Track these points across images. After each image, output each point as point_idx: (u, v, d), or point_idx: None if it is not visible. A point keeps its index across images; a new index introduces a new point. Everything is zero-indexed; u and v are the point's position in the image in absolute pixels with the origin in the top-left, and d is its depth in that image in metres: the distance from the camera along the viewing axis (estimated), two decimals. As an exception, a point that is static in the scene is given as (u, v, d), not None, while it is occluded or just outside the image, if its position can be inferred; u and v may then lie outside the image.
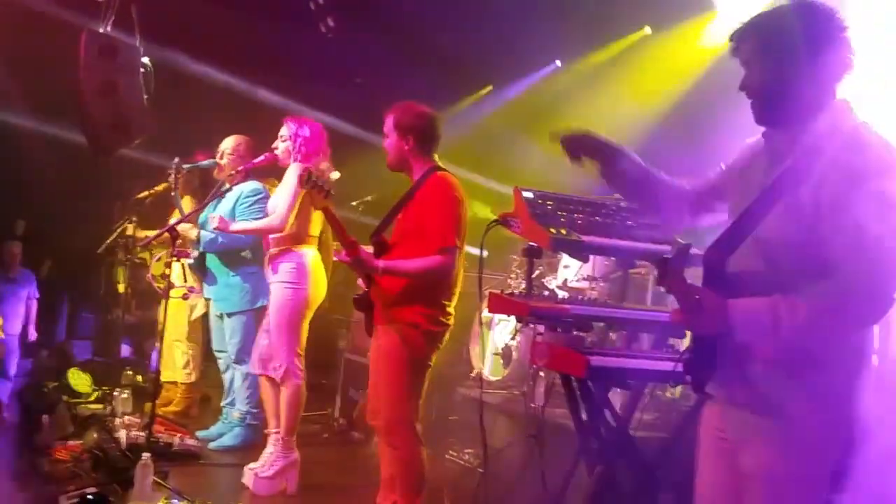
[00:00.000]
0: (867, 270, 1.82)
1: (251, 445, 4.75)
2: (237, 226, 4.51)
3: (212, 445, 4.84)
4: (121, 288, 5.77)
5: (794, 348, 1.89)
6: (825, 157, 1.89)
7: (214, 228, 4.50)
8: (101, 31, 5.41)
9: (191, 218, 4.82)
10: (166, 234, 4.17)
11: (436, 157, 3.49)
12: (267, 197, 4.88)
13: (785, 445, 1.92)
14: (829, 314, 1.85)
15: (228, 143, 5.00)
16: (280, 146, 4.30)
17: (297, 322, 4.21)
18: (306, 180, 3.19)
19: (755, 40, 2.01)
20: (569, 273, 5.24)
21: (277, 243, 4.27)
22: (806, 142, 1.95)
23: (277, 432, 4.21)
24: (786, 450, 1.92)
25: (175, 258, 4.19)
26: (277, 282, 4.22)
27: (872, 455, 2.62)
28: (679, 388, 4.58)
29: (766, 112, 2.04)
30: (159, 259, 5.45)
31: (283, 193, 4.25)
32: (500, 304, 2.90)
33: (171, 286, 4.17)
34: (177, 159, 4.84)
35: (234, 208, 4.89)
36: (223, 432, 5.04)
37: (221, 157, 4.97)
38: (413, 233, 3.32)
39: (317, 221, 4.29)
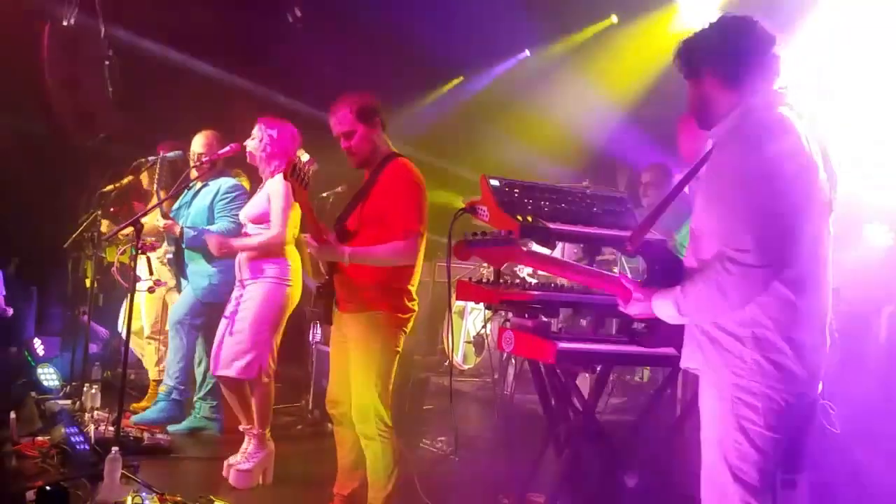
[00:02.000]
0: (740, 250, 2.02)
1: (175, 419, 5.03)
2: (239, 243, 4.26)
3: (133, 419, 4.96)
4: (88, 283, 5.70)
5: (709, 323, 2.17)
6: (725, 149, 2.15)
7: (219, 253, 4.32)
8: (64, 23, 5.35)
9: (155, 210, 4.77)
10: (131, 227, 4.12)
11: (388, 139, 3.48)
12: (245, 193, 4.84)
13: (718, 409, 2.17)
14: (708, 296, 2.09)
15: (199, 143, 4.91)
16: (249, 145, 4.27)
17: (280, 320, 4.19)
18: (292, 173, 3.15)
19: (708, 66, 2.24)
20: (539, 261, 5.28)
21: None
22: (717, 139, 2.23)
23: (250, 428, 4.20)
24: (712, 418, 2.19)
25: (140, 252, 4.13)
26: (268, 278, 4.15)
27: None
28: (646, 373, 4.65)
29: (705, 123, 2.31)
30: (123, 252, 5.39)
31: (276, 205, 4.13)
32: (468, 291, 2.94)
33: (137, 280, 4.12)
34: (161, 153, 4.80)
35: (211, 204, 4.85)
36: (195, 427, 5.03)
37: (198, 160, 4.88)
38: (375, 219, 3.32)
39: (295, 223, 4.27)
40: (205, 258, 4.91)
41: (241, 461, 4.12)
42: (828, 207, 2.21)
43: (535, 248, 5.35)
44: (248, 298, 4.13)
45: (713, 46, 2.21)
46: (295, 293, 4.24)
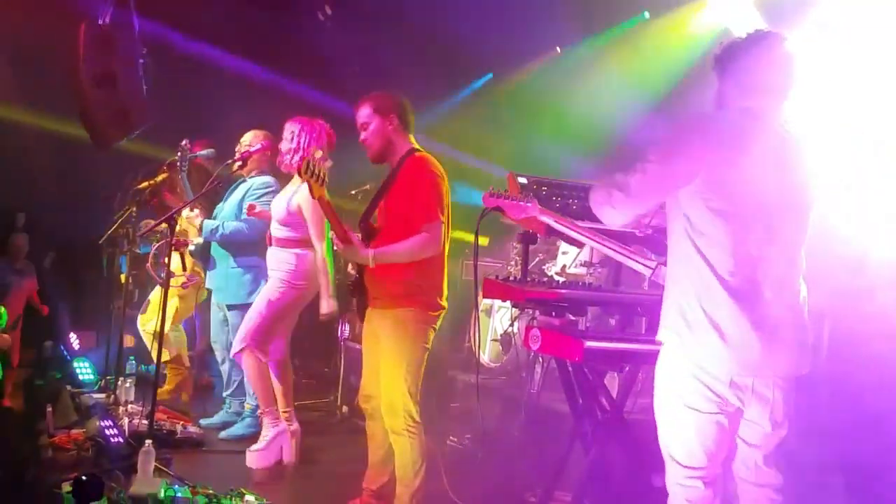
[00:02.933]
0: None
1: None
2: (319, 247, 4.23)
3: (222, 435, 4.88)
4: (123, 278, 5.80)
5: None
6: None
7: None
8: (100, 22, 5.43)
9: (189, 207, 4.83)
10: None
11: (412, 138, 3.52)
12: (277, 191, 4.89)
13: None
14: None
15: (247, 137, 4.99)
16: (283, 146, 4.40)
17: (277, 316, 4.32)
18: (305, 170, 3.19)
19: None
20: (567, 259, 5.26)
21: (283, 243, 4.34)
22: None
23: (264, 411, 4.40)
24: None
25: (173, 248, 4.20)
26: (276, 276, 4.33)
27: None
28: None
29: None
30: (157, 248, 5.48)
31: (311, 217, 4.21)
32: (495, 289, 2.93)
33: (170, 275, 4.19)
34: (185, 142, 4.83)
35: (242, 200, 4.91)
36: (226, 421, 5.09)
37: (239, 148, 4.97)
38: (398, 216, 3.35)
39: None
40: (228, 257, 4.97)
41: (256, 443, 4.25)
42: (776, 204, 2.33)
43: (564, 246, 5.34)
44: (269, 290, 4.35)
45: (736, 55, 2.41)
46: (307, 293, 4.36)
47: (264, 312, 4.31)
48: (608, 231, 3.01)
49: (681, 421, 2.35)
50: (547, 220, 2.83)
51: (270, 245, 4.41)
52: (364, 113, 3.48)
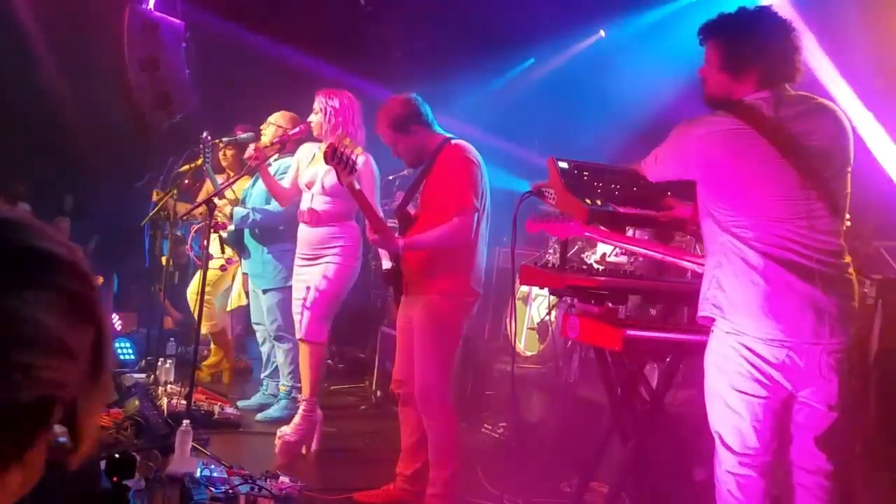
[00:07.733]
0: None
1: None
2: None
3: (259, 417, 4.88)
4: (164, 260, 5.86)
5: None
6: None
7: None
8: (144, 6, 5.49)
9: (226, 191, 4.85)
10: (204, 206, 4.20)
11: (438, 128, 3.47)
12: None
13: None
14: None
15: (275, 116, 5.00)
16: (313, 119, 4.29)
17: (339, 298, 4.24)
18: (331, 156, 3.16)
19: None
20: (607, 248, 5.15)
21: (329, 219, 4.24)
22: None
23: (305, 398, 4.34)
24: None
25: (212, 230, 4.21)
26: (329, 255, 4.21)
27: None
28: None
29: None
30: (196, 231, 5.52)
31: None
32: (533, 275, 2.87)
33: (209, 258, 4.21)
34: (205, 133, 4.86)
35: None
36: (263, 403, 5.11)
37: (266, 126, 4.98)
38: (434, 205, 3.32)
39: None
40: (261, 243, 4.98)
41: (289, 432, 4.18)
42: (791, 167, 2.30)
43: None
44: (324, 271, 4.19)
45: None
46: (357, 270, 4.31)
47: (329, 299, 4.20)
48: (654, 219, 2.93)
49: (732, 405, 2.28)
50: (592, 235, 2.77)
51: (309, 224, 4.24)
52: (385, 133, 3.44)
